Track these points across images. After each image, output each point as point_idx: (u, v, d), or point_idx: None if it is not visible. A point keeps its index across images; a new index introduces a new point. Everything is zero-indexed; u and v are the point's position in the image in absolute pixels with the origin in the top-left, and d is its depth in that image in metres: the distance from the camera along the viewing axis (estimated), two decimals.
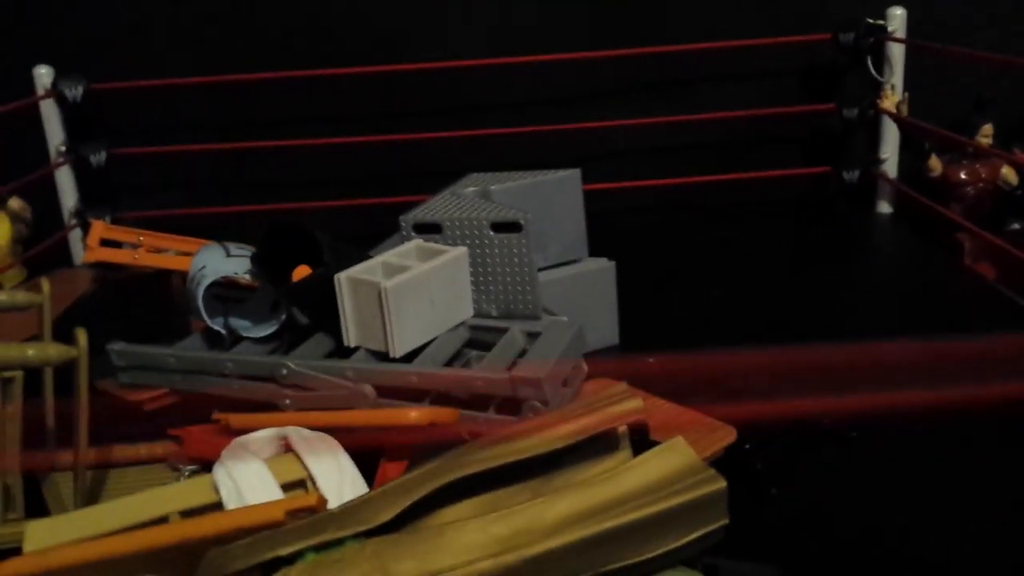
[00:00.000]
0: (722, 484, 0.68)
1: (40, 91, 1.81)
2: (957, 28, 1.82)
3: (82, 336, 0.82)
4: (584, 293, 1.27)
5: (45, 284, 0.98)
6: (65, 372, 0.88)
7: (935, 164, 1.77)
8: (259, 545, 0.65)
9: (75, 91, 1.78)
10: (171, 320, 1.27)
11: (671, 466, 0.69)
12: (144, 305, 1.32)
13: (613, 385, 0.77)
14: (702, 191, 1.91)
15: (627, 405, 0.74)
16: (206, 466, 0.97)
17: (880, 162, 1.87)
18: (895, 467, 0.99)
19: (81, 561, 0.71)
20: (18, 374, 0.81)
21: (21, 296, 0.97)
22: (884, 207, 1.90)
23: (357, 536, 0.66)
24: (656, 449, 0.71)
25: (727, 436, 0.97)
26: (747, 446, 0.98)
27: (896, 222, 1.87)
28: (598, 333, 1.25)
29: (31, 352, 0.79)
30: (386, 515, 0.66)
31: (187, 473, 1.00)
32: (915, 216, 1.80)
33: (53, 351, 0.80)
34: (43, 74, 1.81)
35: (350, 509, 0.68)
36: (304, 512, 0.70)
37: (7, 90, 1.75)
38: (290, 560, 0.64)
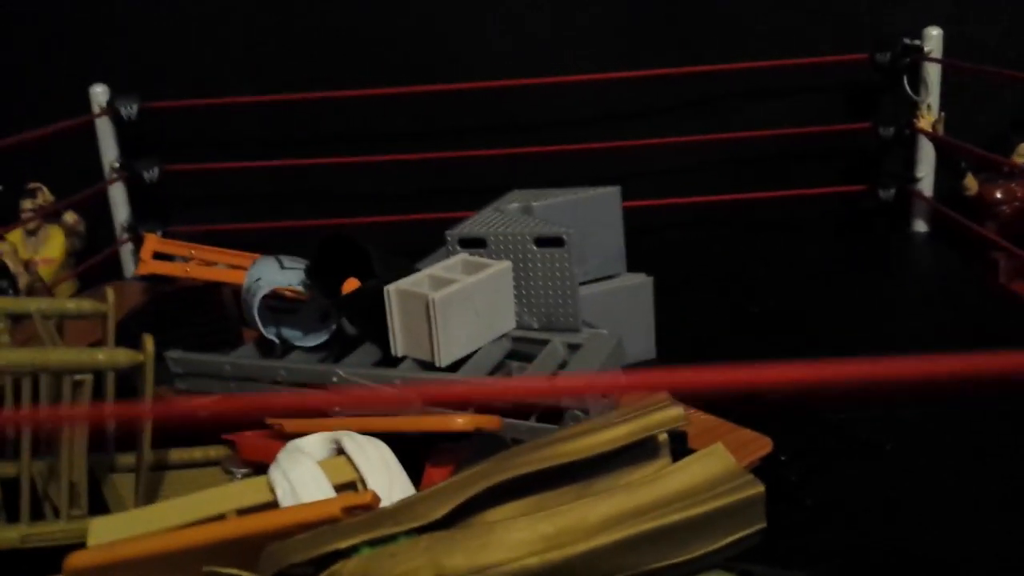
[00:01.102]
0: (760, 489, 0.70)
1: (96, 109, 1.88)
2: (994, 48, 1.84)
3: (149, 342, 0.86)
4: (622, 307, 1.30)
5: (110, 293, 1.03)
6: (123, 378, 0.93)
7: (971, 183, 1.77)
8: (318, 539, 0.68)
9: (130, 109, 1.84)
10: (223, 330, 1.32)
11: (711, 471, 0.72)
12: (195, 316, 1.37)
13: (654, 395, 0.80)
14: (740, 208, 1.94)
15: (668, 413, 0.77)
16: (258, 469, 1.01)
17: (916, 180, 1.88)
18: (930, 478, 1.00)
19: (147, 553, 0.75)
20: (87, 378, 0.85)
21: (87, 304, 1.02)
22: (920, 225, 1.92)
23: (410, 532, 0.69)
24: (697, 455, 0.73)
25: (763, 447, 1.00)
26: (783, 457, 1.01)
27: (932, 240, 1.88)
28: (635, 347, 1.28)
29: (101, 357, 0.83)
30: (438, 512, 0.69)
31: (240, 475, 1.04)
32: (951, 235, 1.81)
33: (122, 356, 0.84)
34: (99, 93, 1.87)
35: (404, 506, 0.71)
36: (359, 509, 0.73)
37: (64, 108, 1.82)
38: (346, 554, 0.68)
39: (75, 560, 0.76)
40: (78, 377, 0.84)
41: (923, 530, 0.91)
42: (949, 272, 1.72)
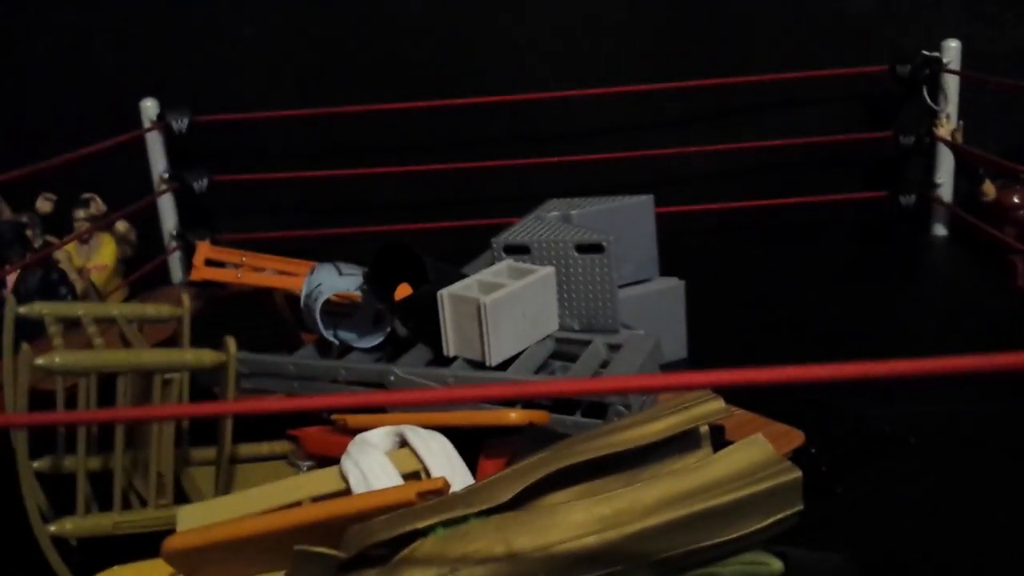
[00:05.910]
0: (797, 474, 0.77)
1: (146, 123, 1.96)
2: (1011, 57, 1.90)
3: (231, 344, 0.94)
4: (656, 309, 1.37)
5: (186, 298, 1.10)
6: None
7: (989, 189, 1.83)
8: (398, 520, 0.75)
9: (181, 123, 1.92)
10: (280, 333, 1.40)
11: (752, 458, 0.79)
12: (252, 319, 1.44)
13: (696, 391, 0.87)
14: (765, 214, 2.01)
15: (710, 406, 0.84)
16: (321, 462, 1.08)
17: (935, 187, 1.95)
18: (951, 471, 1.07)
19: (239, 536, 0.82)
20: (175, 376, 0.93)
21: (166, 309, 1.10)
22: (940, 230, 1.98)
23: (480, 514, 0.76)
24: (738, 444, 0.80)
25: (795, 440, 1.07)
26: (813, 450, 1.08)
27: (951, 245, 1.94)
28: (667, 347, 1.34)
29: (189, 357, 0.91)
30: (505, 495, 0.77)
31: (305, 468, 1.11)
32: (970, 239, 1.87)
33: (207, 357, 0.92)
34: (149, 107, 1.96)
35: (473, 491, 0.78)
36: (432, 494, 0.80)
37: (116, 122, 1.91)
38: (423, 533, 0.75)
39: (172, 543, 0.84)
40: (167, 376, 0.92)
41: (946, 517, 0.98)
42: (968, 275, 1.78)
